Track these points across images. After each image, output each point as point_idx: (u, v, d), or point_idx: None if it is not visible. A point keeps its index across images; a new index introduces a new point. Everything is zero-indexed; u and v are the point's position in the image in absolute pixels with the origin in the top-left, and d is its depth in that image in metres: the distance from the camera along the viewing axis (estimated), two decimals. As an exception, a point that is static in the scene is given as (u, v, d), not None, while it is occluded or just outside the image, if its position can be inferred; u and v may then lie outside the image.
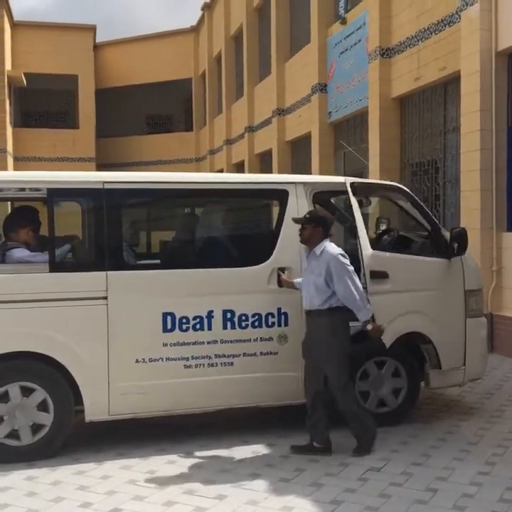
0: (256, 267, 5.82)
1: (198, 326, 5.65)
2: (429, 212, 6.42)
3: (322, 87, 15.67)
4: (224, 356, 5.71)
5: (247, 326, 5.75)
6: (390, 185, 6.73)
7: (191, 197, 6.33)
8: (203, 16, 29.06)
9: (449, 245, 6.17)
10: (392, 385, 6.09)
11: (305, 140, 17.20)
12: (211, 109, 28.36)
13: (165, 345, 5.57)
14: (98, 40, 31.53)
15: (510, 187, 9.43)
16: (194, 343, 5.64)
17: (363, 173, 13.19)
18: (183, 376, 5.61)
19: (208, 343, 5.67)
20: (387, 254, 6.03)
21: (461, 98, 10.01)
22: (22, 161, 27.54)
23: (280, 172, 18.02)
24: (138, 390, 5.49)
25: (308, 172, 15.84)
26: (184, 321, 5.62)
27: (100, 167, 28.40)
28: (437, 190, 11.36)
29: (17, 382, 5.29)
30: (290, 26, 18.88)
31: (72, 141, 29.58)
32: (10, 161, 26.86)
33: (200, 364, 5.65)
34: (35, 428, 5.35)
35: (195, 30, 30.74)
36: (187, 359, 5.62)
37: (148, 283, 5.59)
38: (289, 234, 5.78)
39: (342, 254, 5.32)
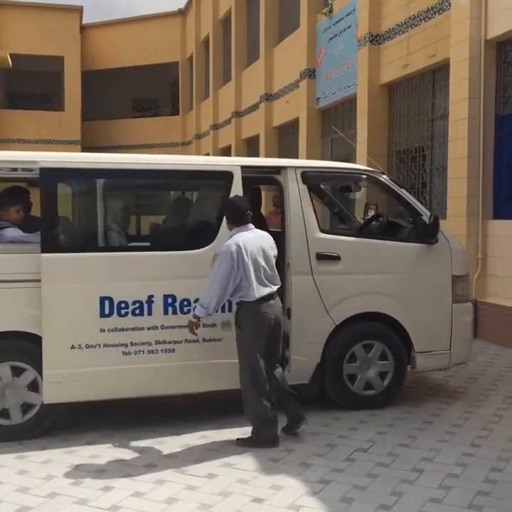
0: (198, 250, 5.67)
1: (137, 311, 5.48)
2: (408, 198, 6.41)
3: (311, 73, 15.67)
4: (165, 342, 5.55)
5: (189, 311, 5.53)
6: (359, 170, 6.64)
7: (132, 178, 6.02)
8: (191, -1, 28.92)
9: (428, 231, 6.23)
10: (379, 368, 6.17)
11: (292, 126, 17.21)
12: (198, 94, 28.24)
13: (102, 330, 5.41)
14: (85, 21, 31.24)
15: (496, 175, 9.52)
16: (133, 329, 5.47)
17: (349, 159, 13.23)
18: (122, 363, 5.45)
19: (148, 329, 5.51)
20: (340, 237, 6.14)
21: (449, 86, 10.07)
22: (7, 143, 27.35)
23: (267, 157, 18.02)
24: (73, 378, 5.34)
25: (296, 157, 15.85)
26: (123, 305, 5.45)
27: (86, 150, 28.12)
28: (424, 178, 11.44)
29: (7, 362, 5.32)
30: (279, 11, 18.81)
31: (58, 124, 29.37)
32: (-6, 142, 26.67)
33: (139, 351, 5.48)
34: (25, 408, 5.39)
35: (182, 13, 30.54)
36: (126, 345, 5.45)
37: (85, 266, 5.43)
38: None
39: (225, 249, 5.16)
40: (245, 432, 5.50)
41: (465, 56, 9.56)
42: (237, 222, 5.29)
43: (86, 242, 5.84)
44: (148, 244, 6.14)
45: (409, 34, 11.44)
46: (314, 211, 6.05)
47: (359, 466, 4.83)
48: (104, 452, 5.11)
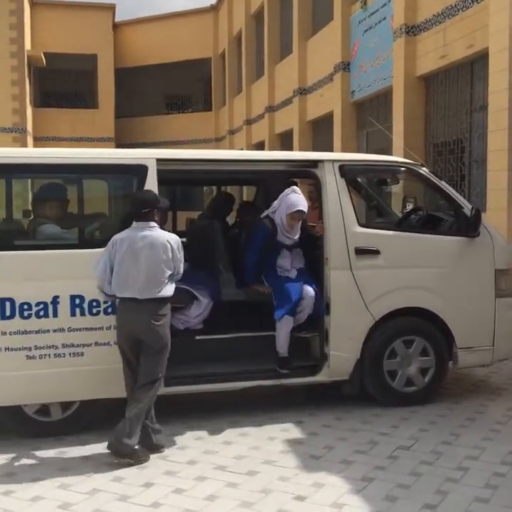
0: None
1: (41, 313, 5.17)
2: (449, 190, 6.28)
3: (345, 66, 15.53)
4: (73, 346, 5.22)
5: (98, 312, 5.25)
6: (398, 163, 6.48)
7: (32, 173, 5.76)
8: (222, -5, 28.89)
9: (469, 224, 6.10)
10: (420, 365, 6.06)
11: (327, 119, 17.09)
12: (231, 89, 28.22)
13: (4, 333, 5.10)
14: (117, 19, 31.43)
15: (537, 167, 9.31)
16: (37, 332, 5.15)
17: (386, 153, 13.03)
18: (26, 368, 5.14)
19: (54, 331, 5.18)
20: (379, 231, 6.00)
21: (488, 76, 9.87)
22: (41, 141, 27.61)
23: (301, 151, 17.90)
24: None
25: (330, 151, 15.70)
26: (25, 307, 5.14)
27: (120, 147, 28.36)
28: (463, 171, 11.26)
29: None
30: (312, 3, 18.70)
31: (92, 121, 29.64)
32: (30, 140, 26.96)
33: (45, 354, 5.17)
34: (65, 405, 5.38)
35: (214, 8, 30.54)
36: (29, 349, 5.14)
37: None
38: None
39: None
40: (284, 428, 5.46)
41: (504, 45, 9.36)
42: (136, 218, 4.99)
43: None
44: (52, 242, 5.53)
45: (446, 24, 11.25)
46: (353, 205, 5.95)
47: (402, 464, 4.74)
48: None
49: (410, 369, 6.04)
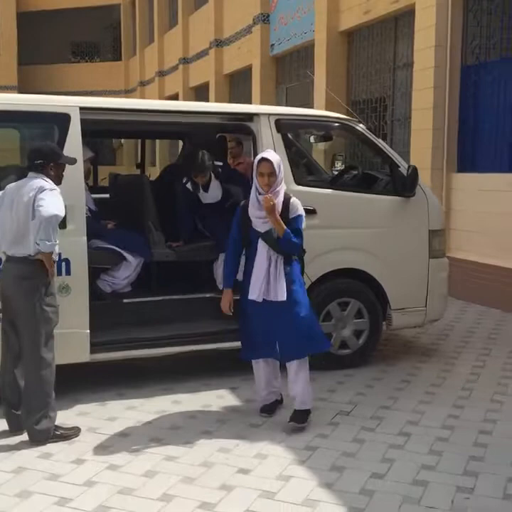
0: None
1: None
2: (386, 148, 6.14)
3: (264, 18, 15.12)
4: None
5: None
6: (335, 119, 6.17)
7: None
8: None
9: (405, 184, 5.98)
10: (355, 327, 5.95)
11: (245, 73, 16.69)
12: (142, 38, 27.22)
13: None
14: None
15: (461, 126, 9.32)
16: None
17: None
18: None
19: None
20: (317, 190, 5.75)
21: (414, 33, 9.75)
22: None
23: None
24: None
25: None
26: None
27: (23, 96, 26.98)
28: (385, 129, 11.19)
29: None
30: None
31: (-8, 68, 28.00)
32: None
33: None
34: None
35: (124, -48, 29.22)
36: None
37: None
38: (70, 167, 4.64)
39: None
40: (220, 395, 5.25)
41: (431, 2, 9.23)
42: (28, 167, 4.44)
43: None
44: None
45: (371, -22, 11.01)
46: (289, 162, 5.70)
47: (344, 431, 4.62)
48: (75, 420, 4.74)
49: (345, 331, 5.93)
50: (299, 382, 4.66)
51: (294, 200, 4.63)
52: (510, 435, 4.56)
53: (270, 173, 4.48)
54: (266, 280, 4.53)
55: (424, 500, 3.67)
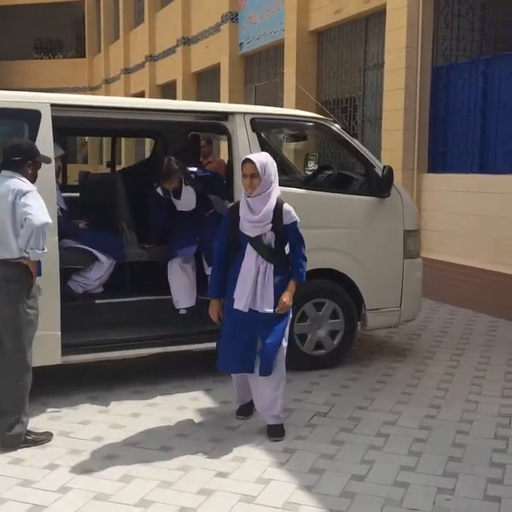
0: None
1: None
2: (361, 148, 6.13)
3: (233, 17, 15.04)
4: None
5: None
6: (310, 118, 6.13)
7: None
8: None
9: (380, 184, 5.96)
10: (330, 327, 5.90)
11: (213, 72, 16.58)
12: (107, 35, 26.92)
13: None
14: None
15: (432, 127, 9.36)
16: None
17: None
18: None
19: None
20: (291, 189, 5.54)
21: (385, 34, 9.76)
22: None
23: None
24: None
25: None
26: None
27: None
28: (355, 129, 11.19)
29: None
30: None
31: (-49, 63, 27.41)
32: None
33: None
34: None
35: None
36: None
37: None
38: (42, 166, 4.48)
39: None
40: (194, 396, 5.16)
41: (403, 3, 9.25)
42: (3, 165, 4.27)
43: None
44: None
45: (342, -22, 11.01)
46: None
47: (322, 432, 4.56)
48: (47, 425, 4.61)
49: (320, 332, 5.88)
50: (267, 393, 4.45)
51: (286, 205, 4.41)
52: (487, 435, 4.56)
53: (252, 174, 4.27)
54: (253, 290, 4.36)
55: (406, 502, 3.64)
